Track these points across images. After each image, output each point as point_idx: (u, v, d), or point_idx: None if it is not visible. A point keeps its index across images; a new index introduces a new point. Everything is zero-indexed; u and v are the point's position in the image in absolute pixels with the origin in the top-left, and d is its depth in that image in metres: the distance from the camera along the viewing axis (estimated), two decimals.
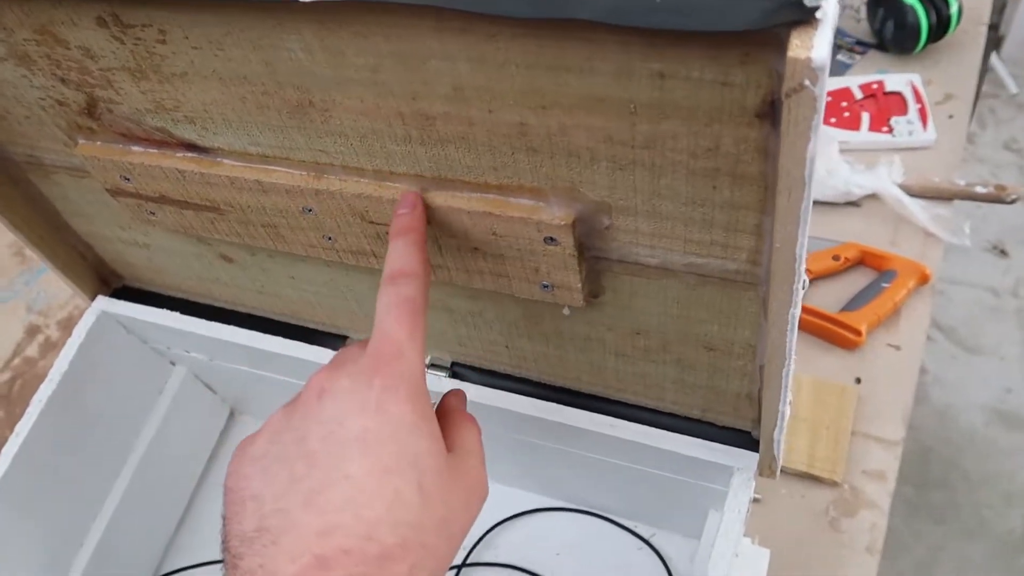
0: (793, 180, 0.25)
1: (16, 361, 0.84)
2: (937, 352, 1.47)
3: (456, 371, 0.49)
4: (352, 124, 0.33)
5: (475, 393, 0.48)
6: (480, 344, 0.47)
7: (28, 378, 0.83)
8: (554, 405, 0.47)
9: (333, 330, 0.52)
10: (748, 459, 0.43)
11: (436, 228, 0.37)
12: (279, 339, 0.52)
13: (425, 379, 0.33)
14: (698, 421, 0.45)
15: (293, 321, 0.53)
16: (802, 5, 0.21)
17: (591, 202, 0.32)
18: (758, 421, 0.42)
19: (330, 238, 0.40)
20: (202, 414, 0.67)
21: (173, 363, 0.63)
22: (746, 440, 0.44)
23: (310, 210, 0.39)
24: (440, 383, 0.49)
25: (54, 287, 0.90)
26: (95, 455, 0.57)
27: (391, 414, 0.30)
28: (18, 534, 0.53)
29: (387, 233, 0.39)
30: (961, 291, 1.54)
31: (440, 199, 0.35)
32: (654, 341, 0.40)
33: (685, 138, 0.28)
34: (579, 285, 0.36)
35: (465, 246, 0.37)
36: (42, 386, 0.53)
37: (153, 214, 0.45)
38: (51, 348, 0.85)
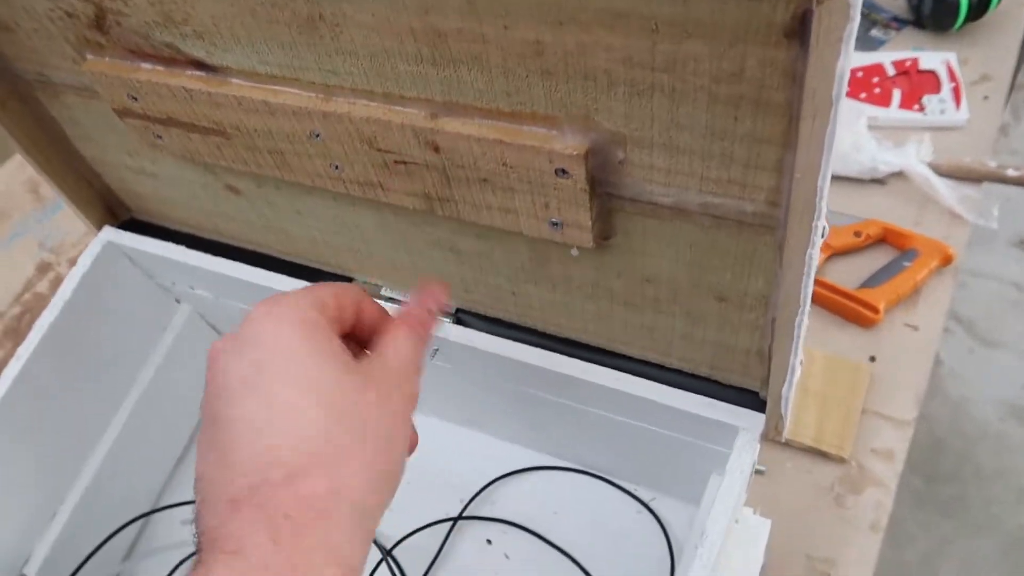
0: (820, 102, 0.23)
1: (26, 296, 0.84)
2: (955, 344, 1.44)
3: (460, 318, 0.49)
4: (363, 41, 0.32)
5: (479, 340, 0.47)
6: (486, 289, 0.46)
7: (37, 313, 0.83)
8: (558, 356, 0.46)
9: (338, 271, 0.51)
10: (754, 420, 0.42)
11: (445, 158, 0.36)
12: (284, 277, 0.51)
13: (312, 304, 0.32)
14: (705, 379, 0.44)
15: (299, 261, 0.53)
16: None
17: (605, 132, 0.31)
18: (766, 381, 0.41)
19: (337, 167, 0.39)
20: (205, 354, 0.66)
21: (178, 301, 0.62)
22: (753, 401, 0.43)
23: (317, 135, 0.38)
24: (444, 329, 0.48)
25: (66, 226, 0.90)
26: (96, 387, 0.57)
27: (267, 345, 0.30)
28: (17, 458, 0.53)
29: (395, 162, 0.37)
30: (984, 284, 1.51)
31: (450, 126, 0.34)
32: (664, 290, 0.39)
33: (708, 60, 0.26)
34: (589, 223, 0.35)
35: (474, 177, 0.36)
36: (44, 312, 0.52)
37: (160, 137, 0.44)
38: (60, 285, 0.85)
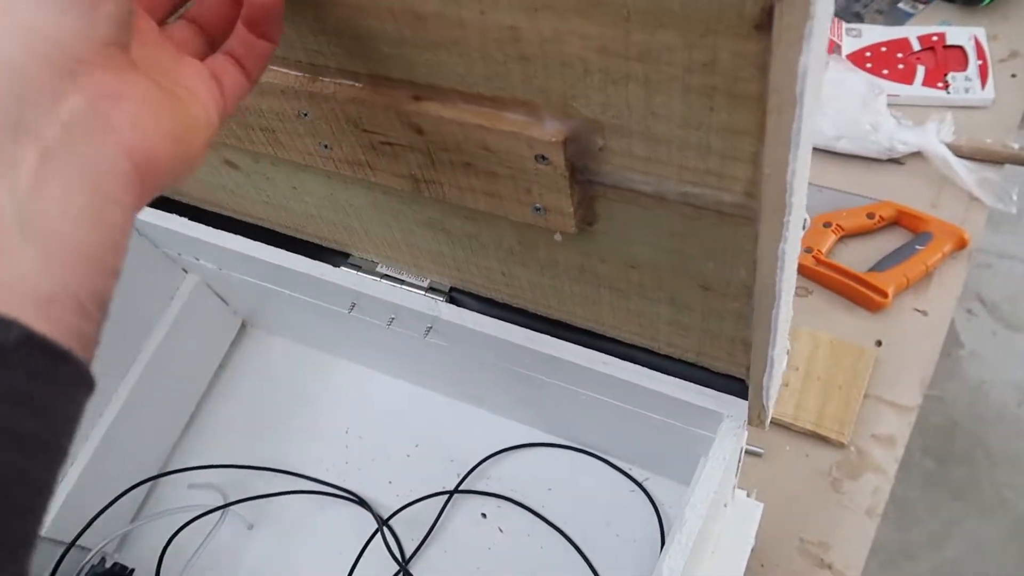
0: (783, 97, 0.23)
1: None
2: (977, 326, 1.42)
3: (454, 297, 0.49)
4: (346, 21, 0.32)
5: (471, 320, 0.48)
6: (477, 270, 0.46)
7: None
8: (547, 337, 0.46)
9: (335, 246, 0.52)
10: (739, 407, 0.42)
11: (429, 140, 0.36)
12: (283, 252, 0.52)
13: None
14: (693, 365, 0.44)
15: (298, 235, 0.53)
16: None
17: (584, 119, 0.31)
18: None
19: (327, 146, 0.40)
20: (213, 323, 0.68)
21: (185, 271, 0.63)
22: (740, 388, 0.43)
23: (306, 114, 0.38)
24: (437, 307, 0.48)
25: None
26: (104, 353, 0.58)
27: None
28: None
29: (381, 143, 0.37)
30: (1010, 266, 1.48)
31: (432, 109, 0.34)
32: (648, 276, 0.39)
33: (681, 51, 0.26)
34: (571, 209, 0.35)
35: (457, 160, 0.36)
36: None
37: None
38: None
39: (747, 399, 0.42)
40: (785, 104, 0.23)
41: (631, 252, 0.37)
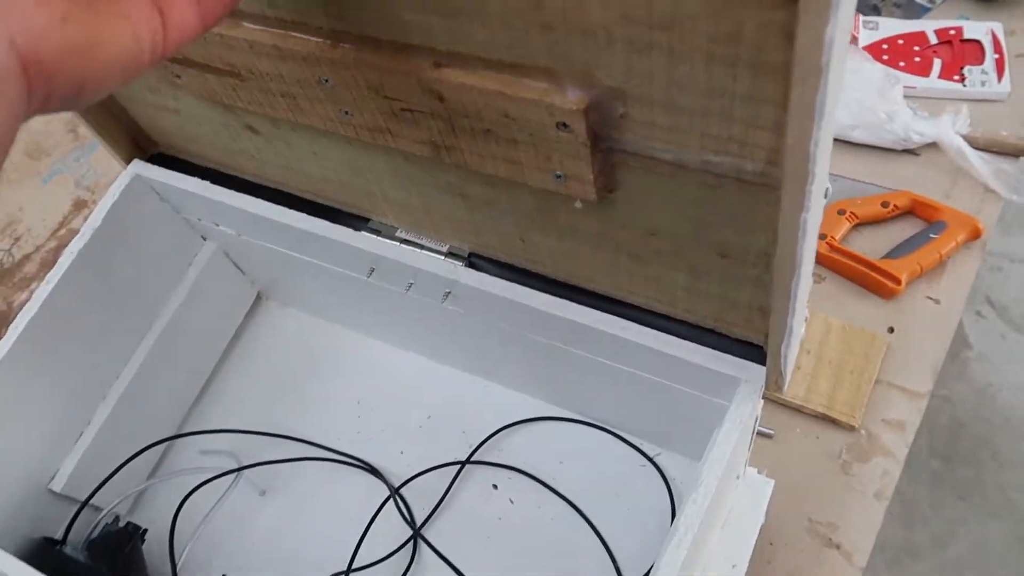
0: (809, 66, 0.23)
1: (62, 231, 0.87)
2: (986, 328, 1.41)
3: (473, 261, 0.49)
4: None
5: (490, 284, 0.48)
6: (496, 235, 0.46)
7: None
8: (565, 302, 0.46)
9: (355, 211, 0.52)
10: (755, 373, 0.42)
11: (450, 107, 0.36)
12: (303, 215, 0.52)
13: None
14: (711, 331, 0.44)
15: (318, 200, 0.54)
16: None
17: (606, 88, 0.31)
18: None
19: (347, 112, 0.40)
20: (229, 293, 0.68)
21: (204, 238, 0.64)
22: (757, 354, 0.43)
23: (327, 80, 0.38)
24: (456, 271, 0.49)
25: (102, 166, 0.92)
26: (121, 316, 0.59)
27: None
28: (44, 379, 0.55)
29: (401, 110, 0.38)
30: (1020, 269, 1.48)
31: (453, 76, 0.34)
32: (667, 243, 0.39)
33: (705, 19, 0.26)
34: (591, 177, 0.35)
35: (478, 127, 0.36)
36: (74, 239, 0.54)
37: (178, 76, 0.45)
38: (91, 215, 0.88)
39: (764, 365, 0.43)
40: (810, 74, 0.23)
41: (651, 219, 0.38)
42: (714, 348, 0.44)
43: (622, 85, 0.31)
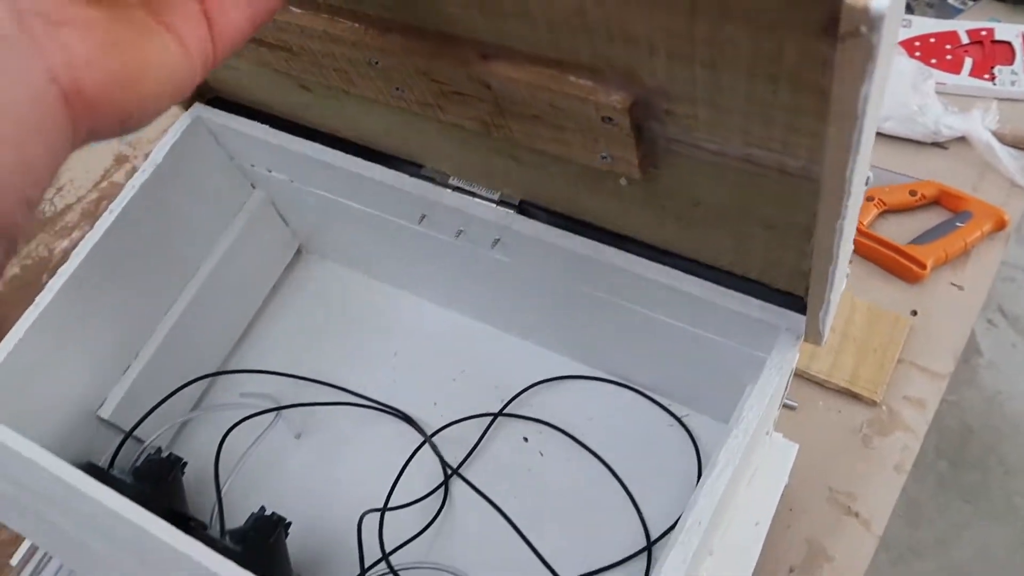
0: (844, 115, 0.24)
1: (103, 184, 0.89)
2: (997, 338, 1.43)
3: (524, 208, 0.51)
4: None
5: (540, 230, 0.49)
6: (545, 191, 0.48)
7: (113, 200, 0.88)
8: (613, 249, 0.48)
9: (410, 158, 0.54)
10: (796, 321, 0.44)
11: (497, 94, 0.37)
12: (359, 160, 0.54)
13: None
14: (754, 282, 0.46)
15: (372, 146, 0.55)
16: None
17: (649, 87, 0.32)
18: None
19: (399, 88, 0.42)
20: (273, 242, 0.70)
21: (254, 186, 0.66)
22: (798, 305, 0.45)
23: (376, 62, 0.40)
24: (507, 217, 0.51)
25: None
26: (171, 257, 0.61)
27: None
28: (95, 313, 0.56)
29: (451, 91, 0.39)
30: None
31: (499, 68, 0.35)
32: (712, 213, 0.40)
33: (746, 42, 0.27)
34: (636, 160, 0.37)
35: (526, 113, 0.38)
36: (136, 174, 0.56)
37: None
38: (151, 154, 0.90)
39: (805, 315, 0.44)
40: (846, 120, 0.24)
41: (695, 193, 0.39)
42: (757, 297, 0.45)
43: (665, 86, 0.32)
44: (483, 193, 0.52)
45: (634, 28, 0.29)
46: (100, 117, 0.22)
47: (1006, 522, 1.25)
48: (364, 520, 0.55)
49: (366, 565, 0.54)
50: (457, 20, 0.34)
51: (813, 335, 0.44)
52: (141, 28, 0.24)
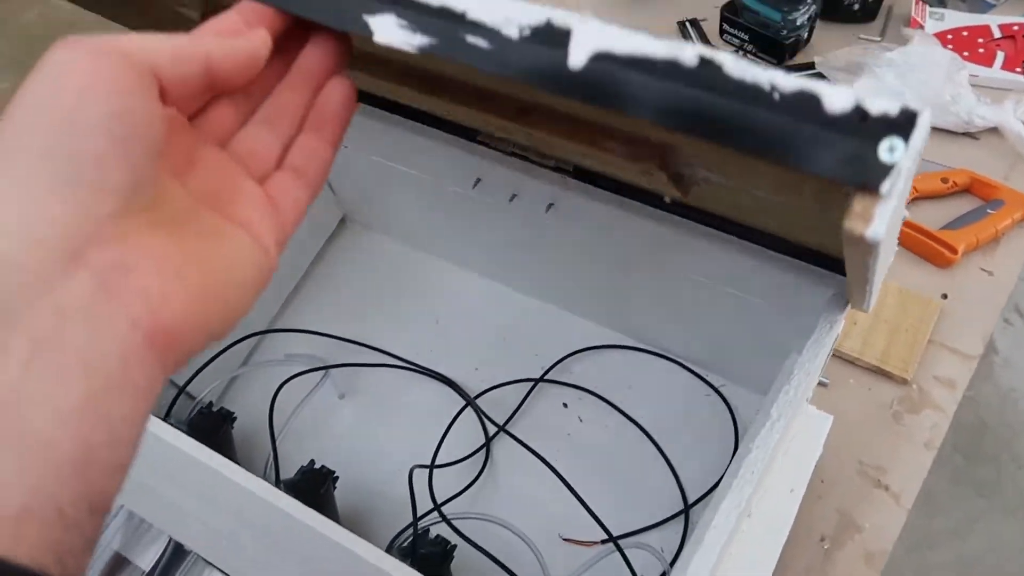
0: (856, 276, 0.28)
1: None
2: (1013, 336, 1.44)
3: (578, 174, 0.52)
4: None
5: (595, 194, 0.51)
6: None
7: None
8: (665, 213, 0.49)
9: (465, 123, 0.55)
10: (843, 284, 0.45)
11: (538, 140, 0.40)
12: (417, 123, 0.56)
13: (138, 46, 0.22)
14: (804, 247, 0.47)
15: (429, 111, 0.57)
16: (869, 169, 0.19)
17: (680, 165, 0.35)
18: None
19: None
20: (317, 210, 0.72)
21: None
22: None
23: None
24: (563, 180, 0.52)
25: None
26: None
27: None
28: None
29: (498, 127, 0.42)
30: None
31: (538, 124, 0.37)
32: (756, 212, 0.42)
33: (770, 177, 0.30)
34: (676, 192, 0.39)
35: (572, 150, 0.40)
36: None
37: None
38: None
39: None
40: (858, 269, 0.27)
41: (735, 201, 0.42)
42: (805, 260, 0.47)
43: (696, 167, 0.35)
44: (538, 160, 0.53)
45: (660, 135, 0.32)
46: (188, 342, 0.21)
47: (1019, 517, 1.27)
48: (413, 475, 0.57)
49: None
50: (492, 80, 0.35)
51: (859, 301, 0.46)
52: (212, 234, 0.23)
